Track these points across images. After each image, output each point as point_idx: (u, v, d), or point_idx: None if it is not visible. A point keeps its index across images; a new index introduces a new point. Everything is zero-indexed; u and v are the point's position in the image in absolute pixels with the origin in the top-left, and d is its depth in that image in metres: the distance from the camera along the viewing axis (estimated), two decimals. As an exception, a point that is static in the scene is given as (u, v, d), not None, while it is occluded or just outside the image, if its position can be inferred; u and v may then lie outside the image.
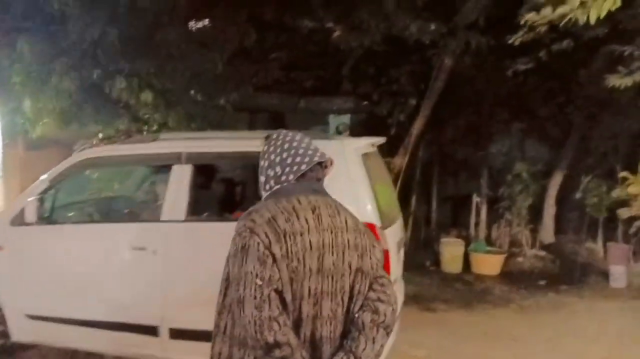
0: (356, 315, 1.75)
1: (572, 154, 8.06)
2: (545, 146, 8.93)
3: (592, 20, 3.85)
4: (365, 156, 3.84)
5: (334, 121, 8.31)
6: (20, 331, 4.11)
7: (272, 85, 7.60)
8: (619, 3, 3.77)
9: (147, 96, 5.27)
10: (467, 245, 7.41)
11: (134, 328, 3.84)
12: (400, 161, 7.00)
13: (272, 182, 1.85)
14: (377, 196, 3.66)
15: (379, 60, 7.64)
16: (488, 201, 8.05)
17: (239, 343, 1.71)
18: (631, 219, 6.44)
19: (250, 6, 6.33)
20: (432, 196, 8.80)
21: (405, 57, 7.49)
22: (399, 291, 3.81)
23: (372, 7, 5.77)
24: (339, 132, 8.08)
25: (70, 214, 4.70)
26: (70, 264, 3.97)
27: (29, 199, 3.96)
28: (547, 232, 8.00)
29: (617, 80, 4.73)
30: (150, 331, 3.79)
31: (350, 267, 1.76)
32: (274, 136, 1.95)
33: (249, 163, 5.48)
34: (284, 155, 1.83)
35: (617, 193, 6.59)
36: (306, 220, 1.72)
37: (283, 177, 1.82)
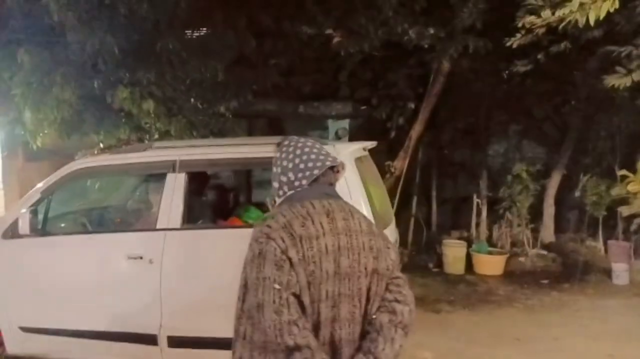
0: (374, 316, 1.78)
1: (569, 154, 8.12)
2: (542, 147, 9.00)
3: (592, 22, 3.89)
4: (358, 160, 3.89)
5: (333, 125, 8.34)
6: (15, 344, 4.07)
7: (270, 91, 7.62)
8: (617, 4, 3.81)
9: (149, 105, 5.28)
10: (468, 246, 7.43)
11: (132, 338, 3.83)
12: (401, 164, 7.03)
13: (285, 188, 1.88)
14: (371, 198, 3.71)
15: (376, 64, 7.70)
16: (488, 202, 8.08)
17: (259, 348, 1.74)
18: (631, 217, 6.49)
19: (248, 13, 6.35)
20: (432, 198, 8.85)
21: (402, 61, 7.55)
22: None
23: (370, 13, 5.81)
24: (338, 137, 8.12)
25: (63, 225, 4.67)
26: (65, 275, 3.94)
27: (21, 212, 3.92)
28: (548, 232, 8.05)
29: (616, 81, 4.77)
30: (149, 340, 3.78)
31: (366, 269, 1.79)
32: (286, 143, 1.98)
33: (243, 169, 5.59)
34: (297, 161, 1.87)
35: (616, 191, 6.62)
36: (321, 224, 1.75)
37: (297, 183, 1.85)
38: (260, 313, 1.66)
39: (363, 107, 8.13)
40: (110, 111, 5.56)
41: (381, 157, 7.42)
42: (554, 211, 8.11)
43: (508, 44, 5.22)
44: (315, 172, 1.84)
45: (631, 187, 6.17)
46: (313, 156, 1.87)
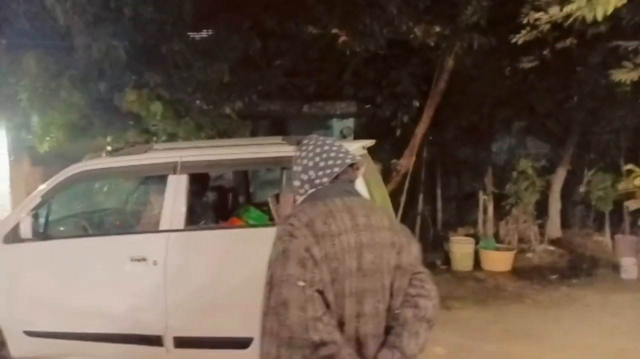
0: (398, 311, 1.80)
1: (573, 149, 8.13)
2: (545, 142, 9.02)
3: (599, 17, 3.89)
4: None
5: (338, 125, 8.36)
6: (19, 349, 4.06)
7: (274, 92, 7.63)
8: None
9: (156, 107, 5.30)
10: (475, 243, 7.44)
11: (138, 339, 3.83)
12: (407, 162, 7.03)
13: (307, 186, 1.90)
14: (372, 197, 3.71)
15: (380, 63, 7.70)
16: (494, 198, 8.09)
17: (285, 343, 1.75)
18: (638, 211, 6.51)
19: (252, 14, 6.36)
20: (437, 195, 8.86)
21: (405, 60, 7.55)
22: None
23: (374, 12, 5.81)
24: (343, 136, 8.14)
25: (65, 229, 4.66)
26: (68, 278, 3.93)
27: (22, 216, 3.91)
28: (554, 227, 8.07)
29: (624, 75, 4.78)
30: (155, 341, 3.78)
31: (388, 264, 1.80)
32: (306, 142, 2.00)
33: (244, 170, 5.63)
34: (317, 159, 1.88)
35: (623, 186, 6.66)
36: (343, 221, 1.76)
37: (317, 181, 1.87)
38: (285, 309, 1.67)
39: (367, 106, 8.13)
40: (118, 113, 5.58)
41: (387, 155, 7.45)
42: (560, 206, 8.13)
43: (513, 40, 5.23)
44: (336, 170, 1.85)
45: (638, 182, 6.21)
46: (333, 154, 1.88)
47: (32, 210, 3.96)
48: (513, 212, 7.68)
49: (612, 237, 7.52)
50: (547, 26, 4.80)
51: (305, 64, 7.60)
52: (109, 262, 3.90)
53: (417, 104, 7.45)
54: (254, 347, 3.63)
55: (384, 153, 7.33)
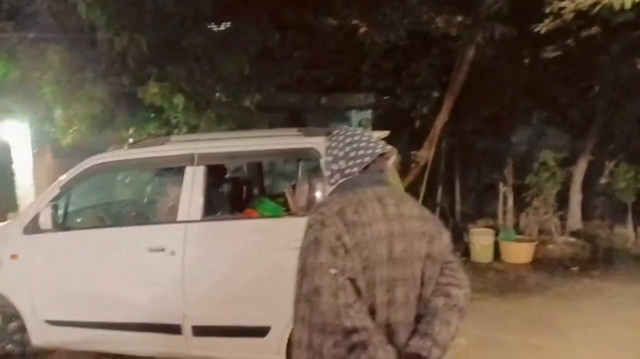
0: (429, 300, 1.81)
1: (595, 140, 8.02)
2: (566, 133, 8.91)
3: (628, 5, 3.82)
4: None
5: (356, 116, 8.34)
6: (40, 337, 4.14)
7: (293, 84, 7.62)
8: (655, -14, 3.74)
9: (179, 100, 5.34)
10: (495, 234, 7.40)
11: (156, 328, 3.89)
12: (426, 153, 7.00)
13: (337, 176, 1.92)
14: None
15: (399, 54, 7.65)
16: (514, 189, 8.03)
17: (317, 330, 1.77)
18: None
19: (271, 6, 6.35)
20: (455, 187, 8.81)
21: (425, 51, 7.49)
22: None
23: (394, 3, 5.77)
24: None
25: (84, 220, 4.74)
26: (87, 268, 3.98)
27: (42, 207, 3.97)
28: (575, 219, 8.00)
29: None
30: (173, 329, 3.83)
31: (419, 253, 1.82)
32: (336, 132, 2.02)
33: (260, 162, 5.66)
34: (347, 149, 1.90)
35: (647, 177, 6.57)
36: (373, 210, 1.78)
37: (347, 171, 1.88)
38: (317, 296, 1.70)
39: (386, 98, 8.09)
40: (140, 106, 5.62)
41: (405, 147, 7.42)
42: (581, 197, 8.04)
43: (536, 29, 5.16)
44: (366, 159, 1.87)
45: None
46: (363, 144, 1.90)
47: (51, 201, 4.01)
48: (534, 203, 7.61)
49: (635, 229, 7.41)
50: (571, 15, 4.72)
51: (324, 55, 7.57)
52: (127, 252, 3.95)
53: (436, 95, 7.38)
54: (272, 335, 3.70)
55: (403, 144, 7.29)
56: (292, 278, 3.57)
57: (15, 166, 7.42)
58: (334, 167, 1.92)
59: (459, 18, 5.49)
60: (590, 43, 6.02)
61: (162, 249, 3.78)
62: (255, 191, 5.61)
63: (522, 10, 5.79)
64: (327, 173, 1.98)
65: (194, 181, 3.84)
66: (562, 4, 4.33)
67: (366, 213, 1.76)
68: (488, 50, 6.50)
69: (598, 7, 4.12)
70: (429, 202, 7.58)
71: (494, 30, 5.70)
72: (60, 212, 4.16)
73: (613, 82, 7.10)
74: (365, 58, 7.48)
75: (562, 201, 7.89)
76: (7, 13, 5.58)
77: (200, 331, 3.82)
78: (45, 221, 3.91)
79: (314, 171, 3.93)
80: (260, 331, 3.72)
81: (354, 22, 5.87)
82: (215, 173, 4.33)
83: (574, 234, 7.75)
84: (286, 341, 3.66)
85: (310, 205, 3.83)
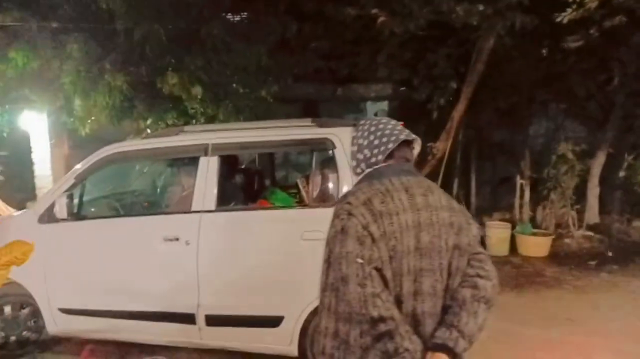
0: (456, 291, 1.80)
1: (614, 132, 7.91)
2: (583, 126, 8.79)
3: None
4: None
5: (371, 107, 8.30)
6: (55, 325, 4.18)
7: (309, 75, 7.58)
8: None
9: (197, 90, 5.35)
10: (512, 227, 7.35)
11: (170, 317, 3.91)
12: (443, 145, 6.94)
13: (363, 165, 1.91)
14: None
15: (415, 45, 7.57)
16: (530, 182, 7.95)
17: (344, 319, 1.77)
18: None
19: (289, -4, 6.32)
20: (471, 179, 8.75)
21: (442, 41, 7.40)
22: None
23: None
24: (377, 119, 8.05)
25: (99, 209, 4.76)
26: (102, 258, 4.01)
27: (57, 196, 3.99)
28: (592, 213, 7.91)
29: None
30: (187, 319, 3.85)
31: (447, 244, 1.80)
32: (362, 122, 2.01)
33: (273, 152, 5.65)
34: (371, 137, 1.89)
35: (667, 170, 6.47)
36: (400, 200, 1.77)
37: (373, 159, 1.87)
38: (344, 285, 1.70)
39: (402, 89, 8.02)
40: (158, 96, 5.64)
41: (421, 138, 7.34)
42: (599, 191, 7.95)
43: (558, 19, 5.07)
44: (390, 146, 1.85)
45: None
46: (387, 132, 1.88)
47: (66, 191, 4.03)
48: (551, 196, 7.54)
49: (654, 223, 7.33)
50: (595, 4, 4.63)
51: (341, 46, 7.52)
52: (142, 242, 3.97)
53: (454, 86, 7.30)
54: (285, 325, 3.71)
55: (419, 136, 7.18)
56: (305, 268, 3.60)
57: (34, 156, 7.50)
58: (359, 156, 1.92)
59: (480, 7, 5.39)
60: (611, 34, 5.91)
61: (177, 239, 3.81)
62: (267, 181, 5.62)
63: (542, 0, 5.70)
64: (352, 163, 1.97)
65: (208, 171, 3.86)
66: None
67: (393, 203, 1.75)
68: (507, 40, 6.41)
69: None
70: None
71: (515, 19, 5.58)
72: (75, 201, 4.18)
73: (634, 74, 6.97)
74: (382, 49, 7.42)
75: (579, 194, 7.81)
76: (27, 3, 5.61)
77: (214, 320, 3.84)
78: (61, 210, 3.93)
79: (328, 162, 3.91)
80: (273, 321, 3.73)
81: (374, 11, 5.80)
82: (228, 164, 4.35)
83: (591, 228, 7.66)
84: (299, 331, 3.68)
85: (324, 196, 3.84)
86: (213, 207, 3.83)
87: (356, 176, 1.97)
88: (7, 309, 4.24)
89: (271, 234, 3.77)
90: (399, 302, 1.73)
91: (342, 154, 3.64)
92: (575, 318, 4.93)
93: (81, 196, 4.33)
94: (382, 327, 1.65)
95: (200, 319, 3.84)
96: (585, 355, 4.18)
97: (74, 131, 6.48)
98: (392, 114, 8.31)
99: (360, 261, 1.68)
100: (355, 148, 1.94)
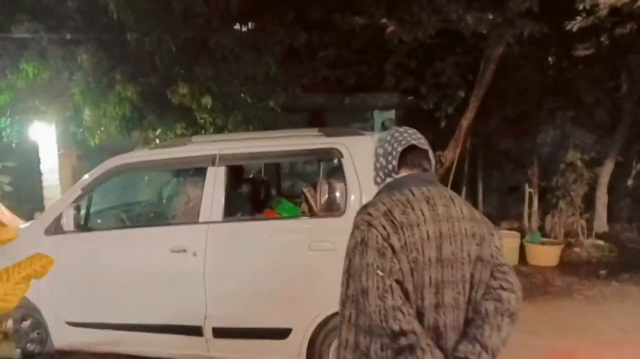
0: (479, 303, 1.77)
1: (622, 140, 7.89)
2: (591, 134, 8.76)
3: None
4: None
5: (379, 116, 8.29)
6: (62, 338, 4.15)
7: (317, 84, 7.60)
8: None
9: (207, 101, 5.36)
10: (520, 237, 7.30)
11: (178, 329, 3.88)
12: (452, 154, 6.93)
13: (381, 173, 1.92)
14: None
15: (423, 53, 7.58)
16: (539, 191, 7.92)
17: (364, 331, 1.76)
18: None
19: (297, 6, 6.34)
20: (478, 188, 8.72)
21: (449, 49, 7.41)
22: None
23: (423, 0, 5.71)
24: (385, 128, 8.06)
25: (105, 221, 4.74)
26: (109, 270, 3.98)
27: (64, 208, 3.97)
28: (600, 221, 7.86)
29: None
30: (194, 331, 3.83)
31: (469, 256, 1.78)
32: (383, 134, 2.00)
33: (280, 162, 5.63)
34: (386, 146, 1.90)
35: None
36: (421, 211, 1.75)
37: (389, 166, 1.87)
38: (364, 298, 1.68)
39: (410, 97, 8.02)
40: (167, 106, 5.66)
41: (430, 147, 7.32)
42: (607, 199, 7.91)
43: (568, 27, 5.06)
44: (399, 149, 1.85)
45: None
46: (400, 138, 1.89)
47: (73, 203, 4.01)
48: (560, 205, 7.50)
49: (663, 232, 7.27)
50: (605, 11, 4.62)
51: (348, 55, 7.53)
52: (149, 253, 3.95)
53: (462, 94, 7.29)
54: (293, 337, 3.68)
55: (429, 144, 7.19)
56: (313, 279, 3.54)
57: (42, 166, 7.52)
58: (377, 165, 1.93)
59: (490, 16, 5.38)
60: (619, 41, 5.90)
61: (184, 250, 3.78)
62: (273, 191, 5.61)
63: (553, 7, 5.70)
64: (373, 173, 1.97)
65: (216, 181, 3.83)
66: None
67: (414, 214, 1.73)
68: (515, 48, 6.40)
69: (638, 4, 4.00)
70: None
71: (525, 28, 5.57)
72: (82, 213, 4.14)
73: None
74: (389, 57, 7.42)
75: (587, 202, 7.76)
76: (38, 14, 5.65)
77: (221, 332, 3.81)
78: (67, 222, 3.91)
79: (335, 171, 3.89)
80: (281, 333, 3.70)
81: (382, 20, 5.81)
82: (235, 174, 4.33)
83: (600, 236, 7.61)
84: (307, 344, 3.65)
85: (332, 205, 3.82)
86: (220, 218, 3.80)
87: (376, 185, 1.96)
88: (9, 322, 4.14)
89: (279, 244, 3.74)
90: (420, 315, 1.71)
91: (350, 164, 3.63)
92: (586, 328, 4.88)
93: (88, 208, 4.30)
94: (403, 341, 1.63)
95: (208, 332, 3.81)
96: (598, 366, 4.15)
97: (82, 141, 6.49)
98: (400, 122, 8.29)
99: (380, 273, 1.66)
100: (374, 158, 1.95)
